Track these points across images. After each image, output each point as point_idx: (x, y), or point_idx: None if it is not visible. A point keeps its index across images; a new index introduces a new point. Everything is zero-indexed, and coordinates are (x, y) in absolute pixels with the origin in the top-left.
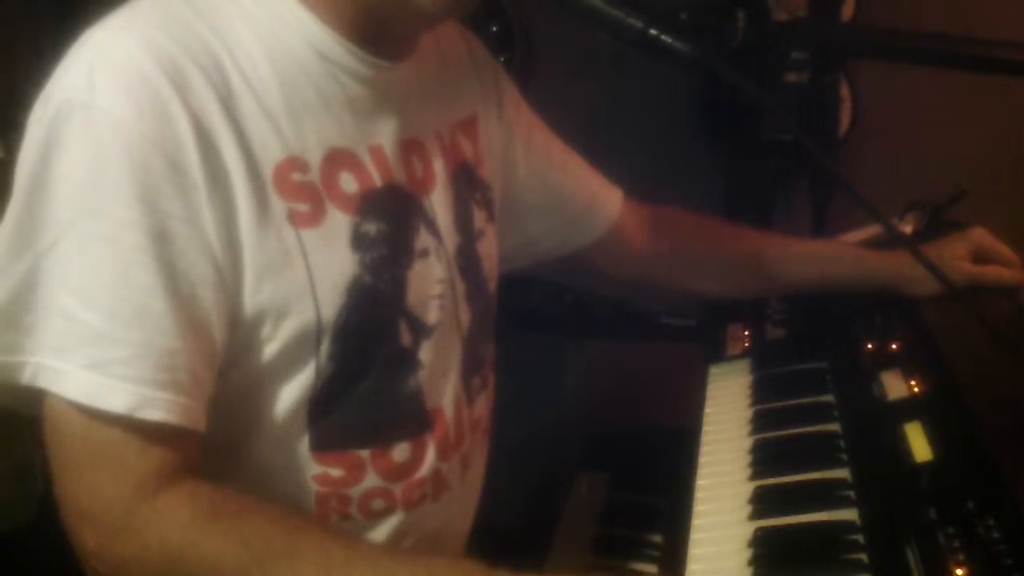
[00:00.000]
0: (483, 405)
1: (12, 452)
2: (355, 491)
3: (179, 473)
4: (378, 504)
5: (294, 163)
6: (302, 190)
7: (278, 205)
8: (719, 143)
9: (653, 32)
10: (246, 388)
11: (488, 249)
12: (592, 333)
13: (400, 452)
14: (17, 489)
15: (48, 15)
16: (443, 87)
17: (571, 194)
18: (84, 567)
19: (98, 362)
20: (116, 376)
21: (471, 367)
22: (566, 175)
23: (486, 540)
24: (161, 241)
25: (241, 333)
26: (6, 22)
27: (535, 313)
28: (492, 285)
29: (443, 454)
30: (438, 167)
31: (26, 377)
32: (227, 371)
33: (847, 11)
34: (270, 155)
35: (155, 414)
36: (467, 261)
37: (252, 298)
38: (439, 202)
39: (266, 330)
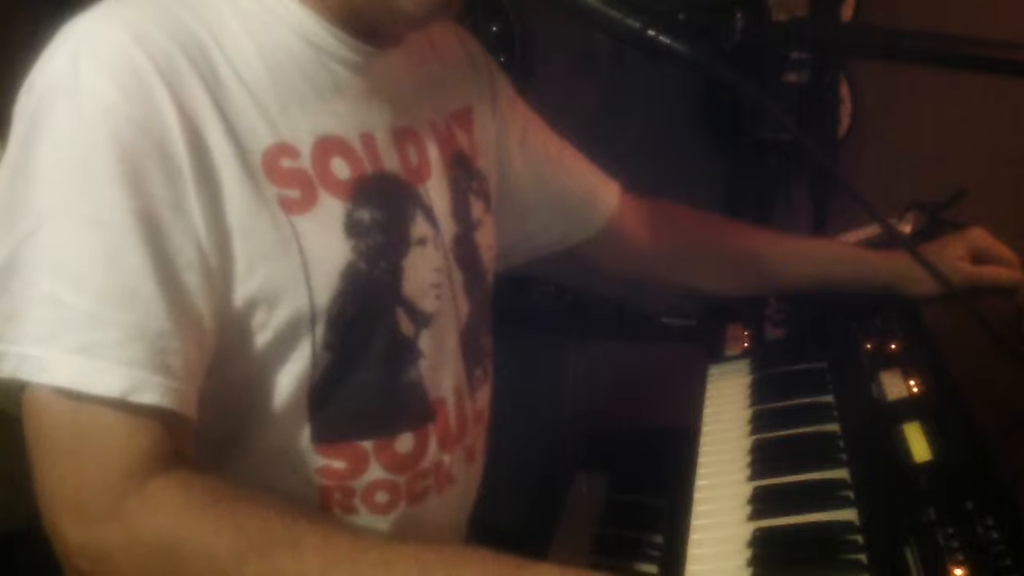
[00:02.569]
0: (484, 397)
1: (11, 452)
2: (359, 483)
3: (171, 459)
4: (382, 497)
5: (283, 149)
6: (292, 176)
7: (269, 191)
8: (719, 143)
9: (652, 32)
10: (243, 380)
11: (486, 239)
12: (592, 333)
13: (403, 443)
14: (16, 489)
15: (46, 13)
16: (437, 78)
17: (568, 189)
18: (66, 568)
19: (89, 345)
20: (109, 359)
21: (472, 358)
22: (563, 170)
23: (486, 539)
24: (149, 224)
25: (234, 321)
26: (5, 20)
27: (535, 313)
28: (490, 276)
29: (445, 446)
30: (434, 156)
31: (7, 369)
32: (223, 363)
33: (847, 11)
34: (259, 142)
35: (150, 397)
36: (465, 251)
37: (244, 285)
38: (436, 191)
39: (259, 317)
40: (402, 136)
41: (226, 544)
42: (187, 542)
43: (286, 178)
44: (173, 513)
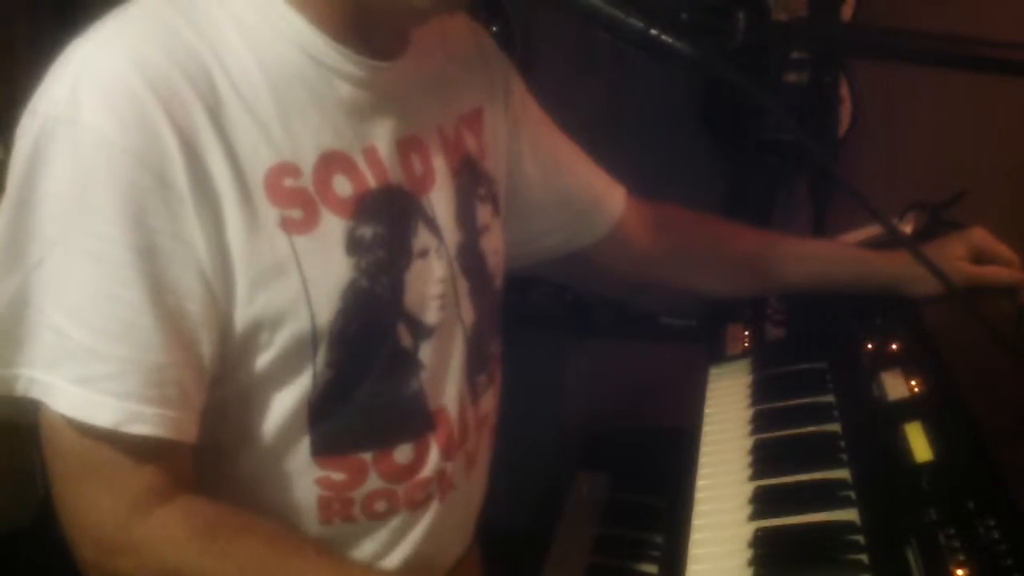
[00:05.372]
0: (489, 402)
1: (12, 456)
2: (358, 494)
3: (173, 488)
4: (381, 506)
5: (285, 169)
6: (294, 196)
7: (270, 212)
8: (719, 143)
9: (653, 32)
10: (244, 394)
11: (493, 244)
12: (592, 333)
13: (402, 453)
14: (17, 492)
15: (47, 16)
16: (447, 81)
17: (576, 192)
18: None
19: (86, 378)
20: (103, 391)
21: (476, 365)
22: (571, 172)
23: (487, 540)
24: (148, 257)
25: (236, 342)
26: (6, 22)
27: (535, 313)
28: (498, 281)
29: (447, 454)
30: (439, 164)
31: (20, 389)
32: (224, 379)
33: (847, 11)
34: (260, 162)
35: (142, 428)
36: (470, 258)
37: (246, 308)
38: (439, 200)
39: (262, 338)
40: (406, 146)
41: None
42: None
43: (288, 198)
44: (178, 547)
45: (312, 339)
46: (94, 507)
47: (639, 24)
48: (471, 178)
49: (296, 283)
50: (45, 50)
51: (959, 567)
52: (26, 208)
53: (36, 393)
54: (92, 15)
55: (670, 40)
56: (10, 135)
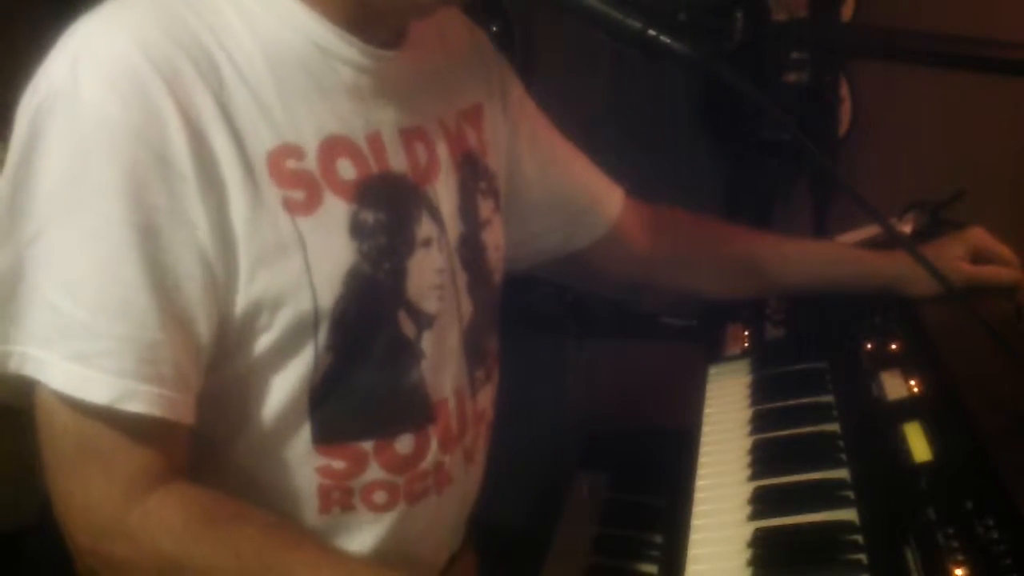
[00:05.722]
0: (487, 398)
1: (13, 453)
2: (357, 483)
3: (169, 473)
4: (381, 496)
5: (288, 150)
6: (297, 177)
7: (273, 193)
8: (719, 143)
9: (652, 32)
10: (245, 378)
11: (494, 239)
12: (592, 333)
13: (403, 444)
14: (18, 490)
15: (48, 13)
16: (447, 77)
17: (574, 192)
18: (78, 563)
19: (82, 354)
20: (99, 368)
21: (474, 359)
22: (569, 173)
23: (486, 540)
24: (147, 235)
25: (236, 324)
26: (5, 20)
27: (535, 313)
28: (497, 277)
29: (445, 447)
30: (442, 155)
31: (12, 366)
32: (224, 363)
33: (847, 11)
34: (263, 144)
35: (137, 406)
36: (470, 251)
37: (248, 288)
38: (443, 190)
39: (263, 319)
40: (411, 135)
41: (221, 568)
42: (186, 564)
43: (291, 179)
44: (174, 533)
45: (314, 321)
46: (88, 491)
47: (637, 25)
48: (472, 172)
49: (299, 264)
50: (46, 49)
51: (958, 567)
52: (23, 184)
53: (30, 370)
54: (92, 4)
55: (668, 41)
56: (11, 132)
